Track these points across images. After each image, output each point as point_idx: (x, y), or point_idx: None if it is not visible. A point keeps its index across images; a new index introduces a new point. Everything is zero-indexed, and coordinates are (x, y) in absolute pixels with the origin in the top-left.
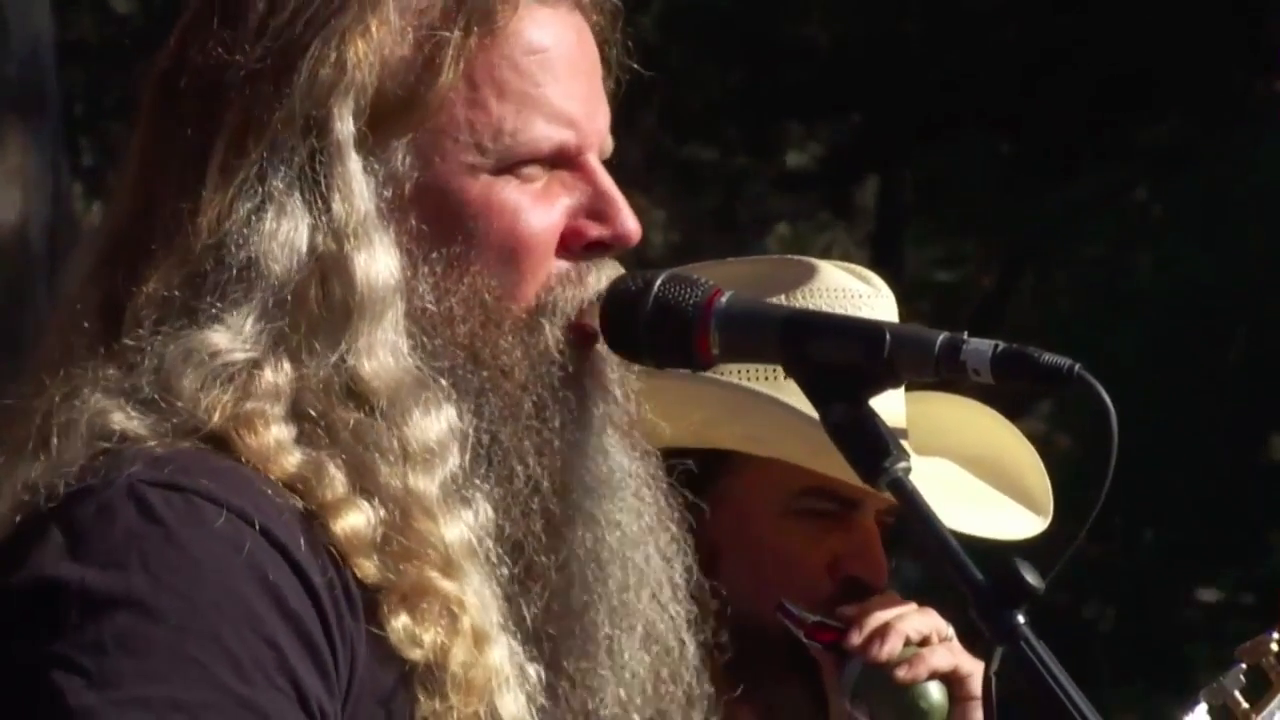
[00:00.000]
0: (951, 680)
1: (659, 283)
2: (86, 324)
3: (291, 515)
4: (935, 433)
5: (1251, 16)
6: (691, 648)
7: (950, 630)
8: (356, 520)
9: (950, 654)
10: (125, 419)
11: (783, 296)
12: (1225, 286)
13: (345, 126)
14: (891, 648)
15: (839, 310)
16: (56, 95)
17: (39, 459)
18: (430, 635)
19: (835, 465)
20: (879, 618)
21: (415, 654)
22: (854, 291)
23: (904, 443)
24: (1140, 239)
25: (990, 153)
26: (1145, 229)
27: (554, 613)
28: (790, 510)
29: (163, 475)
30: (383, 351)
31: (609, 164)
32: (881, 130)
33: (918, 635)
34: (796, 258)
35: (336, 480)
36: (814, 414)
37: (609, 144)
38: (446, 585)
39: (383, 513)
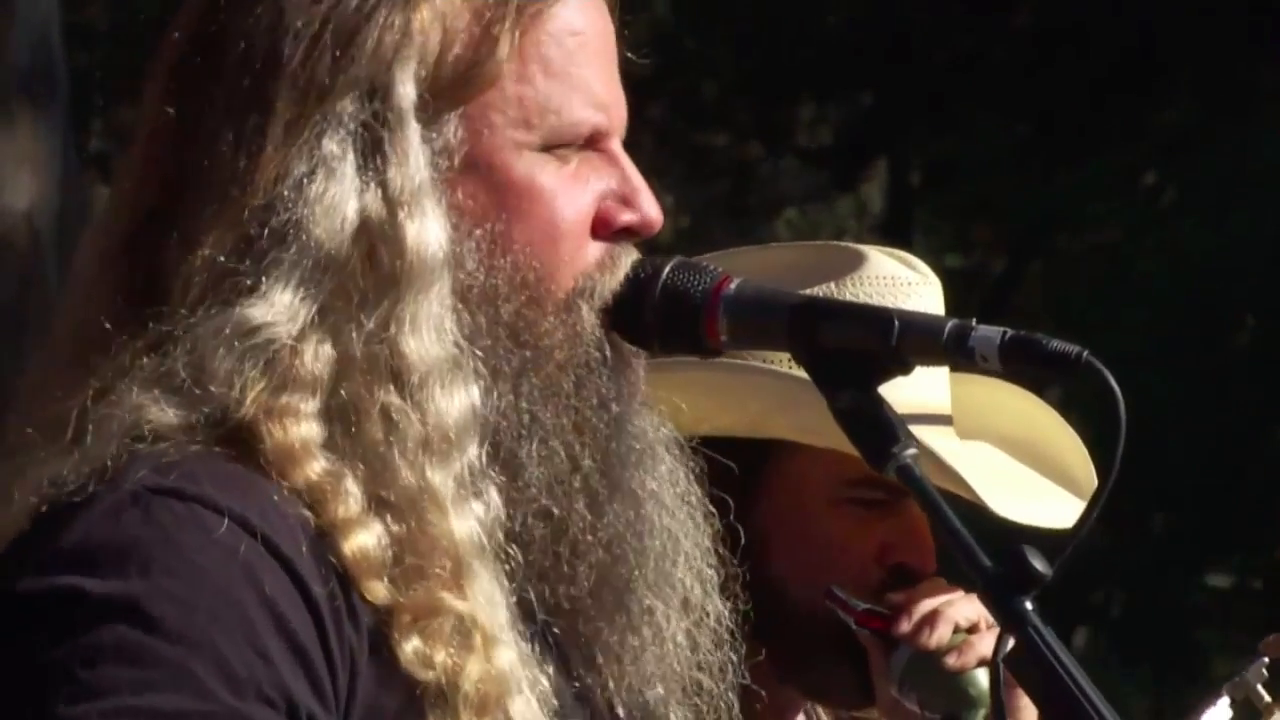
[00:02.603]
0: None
1: (668, 269)
2: (118, 293)
3: (296, 523)
4: (975, 415)
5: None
6: (725, 611)
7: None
8: (366, 540)
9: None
10: (159, 411)
11: (832, 285)
12: (1234, 271)
13: (408, 92)
14: (940, 635)
15: (888, 300)
16: (65, 79)
17: (69, 454)
18: (442, 655)
19: None
20: (927, 605)
21: (428, 675)
22: (903, 280)
23: (948, 427)
24: (1149, 224)
25: (1000, 137)
26: (1155, 214)
27: (598, 588)
28: (839, 499)
29: (168, 481)
30: (426, 325)
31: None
32: (890, 114)
33: (966, 622)
34: (844, 244)
35: (352, 497)
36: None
37: (625, 129)
38: (458, 605)
39: (395, 526)
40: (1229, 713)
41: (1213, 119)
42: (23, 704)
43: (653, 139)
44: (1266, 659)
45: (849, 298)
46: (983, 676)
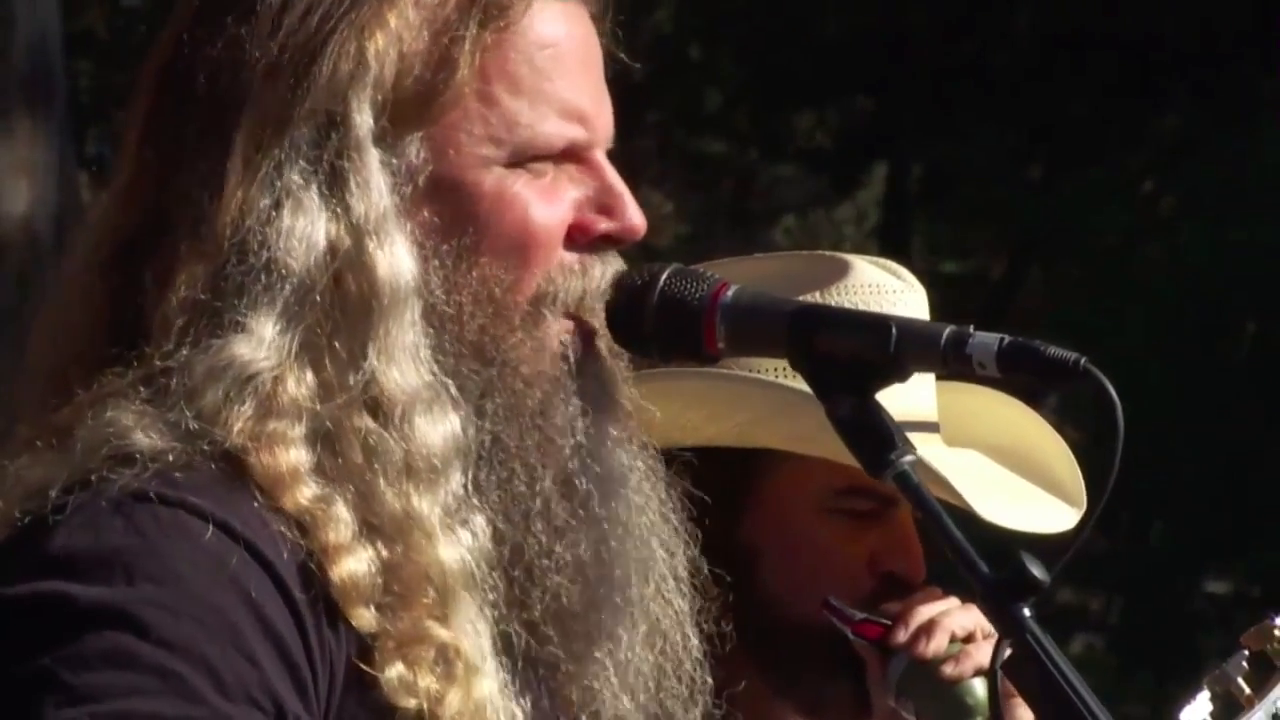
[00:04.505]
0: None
1: (665, 276)
2: (98, 325)
3: (277, 531)
4: (962, 423)
5: (1263, 8)
6: (695, 640)
7: (991, 627)
8: (356, 567)
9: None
10: (146, 438)
11: (817, 294)
12: (1234, 277)
13: (365, 121)
14: (937, 644)
15: (873, 307)
16: (64, 86)
17: (53, 467)
18: (425, 682)
19: None
20: (924, 614)
21: (409, 703)
22: (887, 288)
23: (935, 434)
24: (1149, 229)
25: (999, 143)
26: (1154, 220)
27: (556, 614)
28: (828, 509)
29: (151, 488)
30: (401, 354)
31: (617, 156)
32: (890, 122)
33: (963, 631)
34: (828, 254)
35: (342, 523)
36: None
37: (612, 136)
38: (443, 634)
39: (384, 552)
40: (1210, 705)
41: (1212, 125)
42: (9, 710)
43: (653, 146)
44: (1246, 652)
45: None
46: (979, 686)
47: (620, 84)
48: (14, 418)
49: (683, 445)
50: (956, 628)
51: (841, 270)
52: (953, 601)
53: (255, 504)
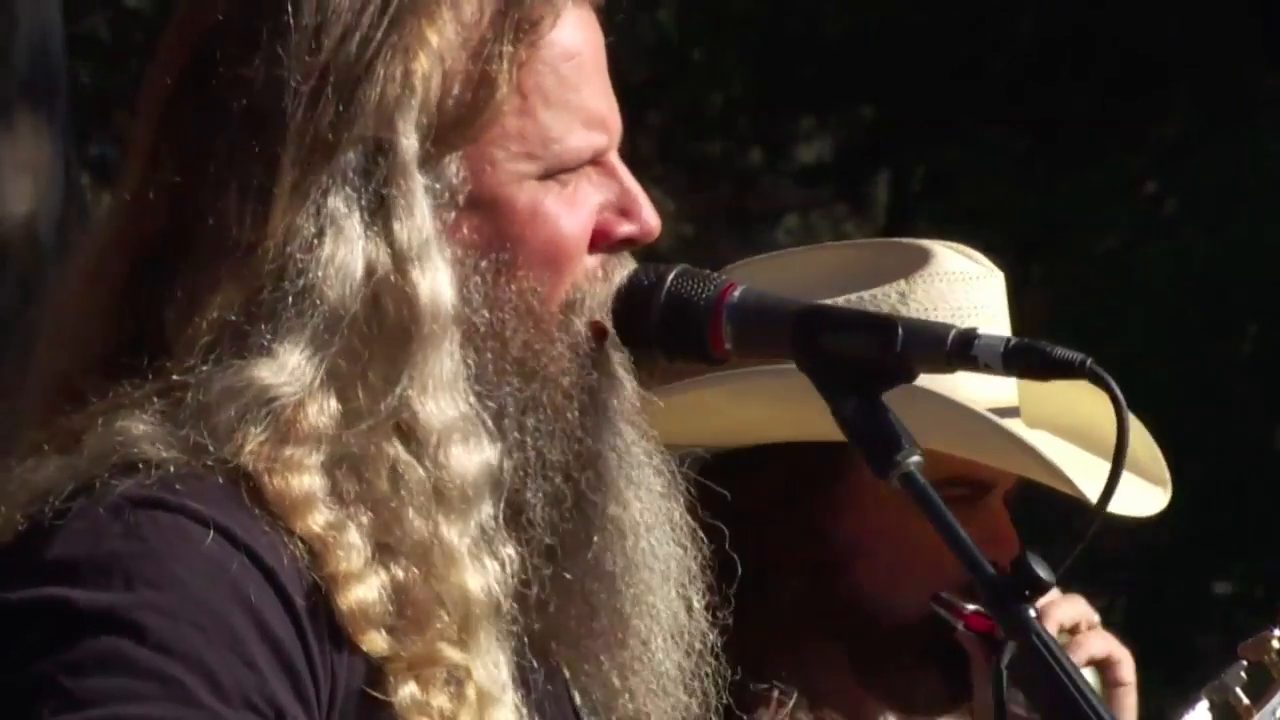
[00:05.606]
0: (1104, 666)
1: (671, 277)
2: (112, 334)
3: (276, 540)
4: (1033, 405)
5: (1264, 9)
6: (713, 635)
7: (1097, 617)
8: (366, 595)
9: (1103, 640)
10: (153, 449)
11: (902, 283)
12: (1236, 278)
13: (411, 145)
14: None
15: (958, 294)
16: (66, 87)
17: (59, 473)
18: (437, 702)
19: (988, 452)
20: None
21: None
22: (970, 274)
23: (1016, 419)
24: (1152, 231)
25: (1001, 145)
26: (1157, 221)
27: (592, 619)
28: None
29: (152, 493)
30: (437, 383)
31: (621, 155)
32: (892, 123)
33: (1070, 622)
34: (906, 241)
35: (354, 549)
36: (971, 404)
37: (620, 133)
38: (455, 655)
39: (400, 574)
40: (1208, 716)
41: (1213, 126)
42: (8, 716)
43: (655, 148)
44: (1245, 662)
45: (920, 295)
46: (1089, 675)
47: (623, 85)
48: (18, 421)
49: (774, 441)
50: (1064, 618)
51: (922, 258)
52: (1055, 593)
53: (256, 512)
